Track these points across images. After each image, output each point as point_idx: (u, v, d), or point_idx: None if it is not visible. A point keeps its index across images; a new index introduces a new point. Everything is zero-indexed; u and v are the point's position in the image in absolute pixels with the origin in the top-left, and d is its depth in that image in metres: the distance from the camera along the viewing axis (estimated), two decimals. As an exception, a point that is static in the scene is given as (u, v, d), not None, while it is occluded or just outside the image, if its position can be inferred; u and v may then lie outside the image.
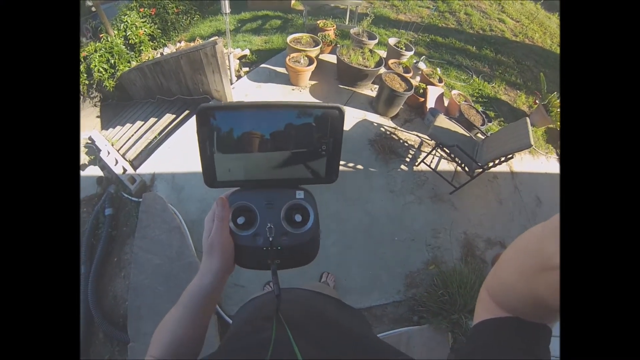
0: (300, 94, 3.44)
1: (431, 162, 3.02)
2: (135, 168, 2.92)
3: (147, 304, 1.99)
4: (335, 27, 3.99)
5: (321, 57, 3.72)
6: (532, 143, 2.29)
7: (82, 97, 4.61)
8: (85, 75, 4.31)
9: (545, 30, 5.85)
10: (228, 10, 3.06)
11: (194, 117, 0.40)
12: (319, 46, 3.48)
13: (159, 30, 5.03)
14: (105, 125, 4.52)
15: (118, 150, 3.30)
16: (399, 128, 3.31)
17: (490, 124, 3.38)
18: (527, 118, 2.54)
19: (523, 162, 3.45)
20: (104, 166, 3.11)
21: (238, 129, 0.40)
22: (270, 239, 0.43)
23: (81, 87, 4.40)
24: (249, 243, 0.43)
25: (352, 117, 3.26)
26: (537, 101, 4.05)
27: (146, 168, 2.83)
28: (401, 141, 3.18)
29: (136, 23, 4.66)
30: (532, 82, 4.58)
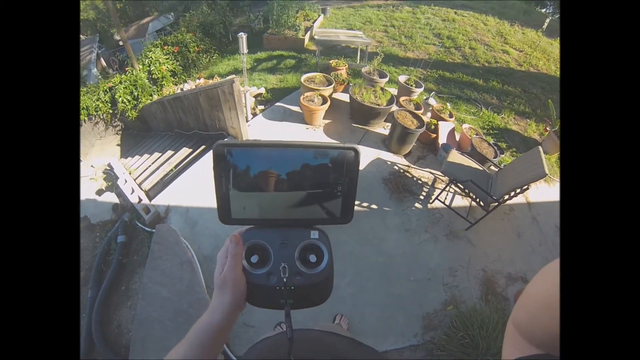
0: (315, 133, 3.53)
1: (445, 198, 2.98)
2: (150, 198, 2.98)
3: (152, 337, 1.93)
4: (347, 66, 4.16)
5: (334, 95, 3.83)
6: (547, 172, 2.24)
7: (104, 125, 4.86)
8: (109, 104, 4.57)
9: (548, 56, 5.96)
10: (246, 51, 3.27)
11: (211, 152, 0.40)
12: (332, 85, 3.59)
13: (180, 67, 5.37)
14: (124, 154, 4.70)
15: (135, 180, 3.39)
16: (412, 166, 3.30)
17: (502, 155, 3.36)
18: (540, 147, 2.51)
19: (539, 192, 3.37)
20: (120, 194, 3.19)
21: (255, 168, 0.40)
22: (284, 278, 0.42)
23: (105, 115, 4.65)
24: (262, 282, 0.43)
25: (366, 155, 3.29)
26: (547, 128, 4.02)
27: (161, 199, 2.88)
28: (415, 179, 3.17)
29: (160, 59, 5.01)
30: (541, 110, 4.59)
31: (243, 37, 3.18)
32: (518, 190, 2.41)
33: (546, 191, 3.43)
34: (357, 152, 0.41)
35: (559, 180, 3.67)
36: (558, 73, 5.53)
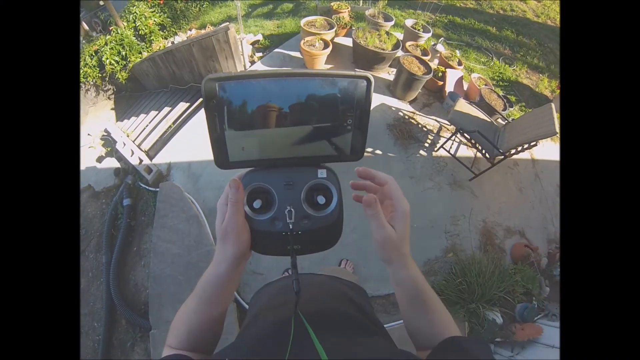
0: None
1: (450, 147, 2.93)
2: (151, 158, 2.96)
3: (167, 292, 2.04)
4: (349, 9, 3.85)
5: (336, 40, 3.62)
6: (557, 130, 2.18)
7: (96, 91, 4.66)
8: (97, 68, 4.33)
9: (569, 10, 5.53)
10: (239, -5, 2.99)
11: (202, 87, 0.34)
12: (334, 29, 3.37)
13: (168, 19, 4.97)
14: (120, 117, 4.57)
15: (134, 141, 3.33)
16: (417, 112, 3.21)
17: (511, 109, 3.24)
18: (552, 104, 2.41)
19: (545, 149, 3.32)
20: (120, 157, 3.16)
21: (252, 102, 0.35)
22: (290, 223, 0.39)
23: (95, 80, 4.43)
24: (267, 228, 0.39)
25: (370, 100, 3.19)
26: (560, 86, 3.85)
27: (162, 158, 2.86)
28: (420, 126, 3.10)
29: (145, 13, 4.62)
30: (555, 66, 4.35)
31: (235, -21, 2.88)
32: (525, 146, 2.36)
33: (552, 149, 3.38)
34: (369, 82, 0.36)
35: None
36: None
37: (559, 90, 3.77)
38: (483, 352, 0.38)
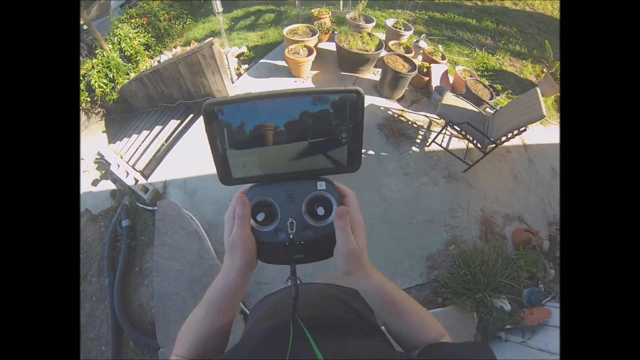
0: (303, 85, 3.41)
1: (442, 141, 2.96)
2: (146, 177, 2.95)
3: (173, 309, 2.02)
4: (330, 14, 3.91)
5: (320, 46, 3.66)
6: (545, 113, 2.22)
7: (86, 115, 4.66)
8: (86, 93, 4.34)
9: (545, -4, 5.61)
10: (220, 9, 3.03)
11: (201, 116, 0.37)
12: (317, 35, 3.42)
13: (153, 39, 5.00)
14: (112, 139, 4.56)
15: (127, 162, 3.33)
16: (406, 110, 3.25)
17: (498, 97, 3.29)
18: (537, 88, 2.46)
19: (535, 134, 3.36)
20: (115, 179, 3.15)
21: (249, 123, 0.37)
22: (291, 234, 0.41)
23: (84, 104, 4.43)
24: (271, 239, 0.42)
25: (358, 102, 3.22)
26: (544, 70, 3.92)
27: (157, 176, 2.85)
28: (410, 123, 3.13)
29: (129, 34, 4.65)
30: (537, 51, 4.43)
31: (216, -4, 2.93)
32: (515, 132, 2.39)
33: (542, 133, 3.43)
34: (360, 95, 0.37)
35: (554, 122, 3.63)
36: (555, 13, 5.25)
37: (543, 75, 3.83)
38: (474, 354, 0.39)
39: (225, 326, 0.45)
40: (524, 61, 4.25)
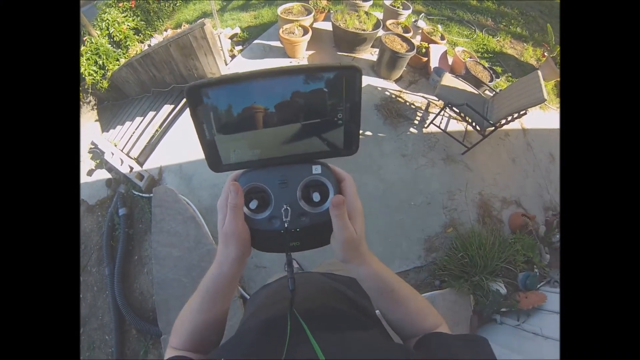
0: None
1: (440, 122, 2.93)
2: (141, 164, 2.91)
3: (173, 295, 2.04)
4: (326, -8, 3.77)
5: (315, 25, 3.55)
6: (546, 97, 2.19)
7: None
8: (77, 82, 4.22)
9: (549, -24, 5.45)
10: (211, -11, 2.91)
11: (185, 95, 0.34)
12: (312, 14, 3.31)
13: (142, 22, 4.83)
14: (105, 128, 4.48)
15: (122, 150, 3.28)
16: (404, 90, 3.19)
17: (498, 80, 3.24)
18: (538, 71, 2.41)
19: (534, 118, 3.34)
20: (110, 168, 3.11)
21: (237, 105, 0.35)
22: (286, 222, 0.39)
23: (74, 93, 4.33)
24: (266, 227, 0.40)
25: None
26: (545, 54, 3.86)
27: (152, 163, 2.82)
28: (408, 104, 3.08)
29: (118, 19, 4.49)
30: (539, 34, 4.34)
31: (205, -28, 2.80)
32: (515, 115, 2.37)
33: (541, 118, 3.39)
34: (357, 71, 0.34)
35: (554, 107, 3.59)
36: (558, -4, 5.10)
37: (544, 58, 3.77)
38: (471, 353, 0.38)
39: (221, 316, 0.45)
40: (524, 44, 4.17)
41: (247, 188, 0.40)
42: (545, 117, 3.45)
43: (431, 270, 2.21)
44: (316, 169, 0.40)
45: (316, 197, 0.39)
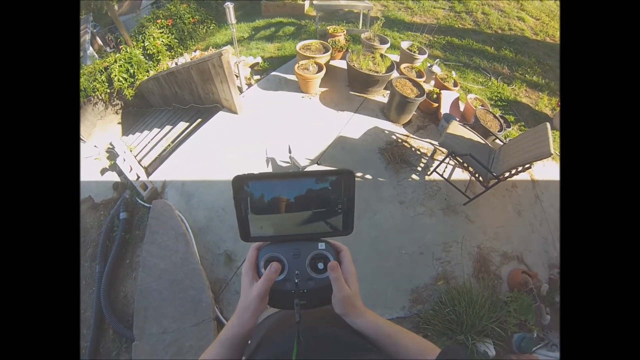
0: (310, 102, 3.42)
1: (444, 171, 2.88)
2: (149, 174, 3.02)
3: (152, 305, 2.06)
4: (345, 32, 3.94)
5: (332, 63, 3.68)
6: (552, 151, 2.12)
7: (104, 105, 4.86)
8: (106, 84, 4.54)
9: (569, 27, 5.52)
10: (234, 21, 3.12)
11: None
12: (329, 52, 3.44)
13: (175, 40, 5.20)
14: (125, 132, 4.73)
15: (135, 157, 3.43)
16: (411, 135, 3.20)
17: (509, 129, 3.19)
18: (548, 123, 2.35)
19: (545, 169, 3.23)
20: (120, 172, 3.25)
21: (268, 195, 0.48)
22: (298, 284, 0.50)
23: (103, 95, 4.63)
24: (280, 288, 0.50)
25: (363, 124, 3.18)
26: (559, 103, 3.79)
27: (158, 175, 2.92)
28: (413, 149, 3.06)
29: (154, 34, 4.86)
30: (555, 83, 4.30)
31: (230, 6, 3.01)
32: (520, 168, 2.30)
33: (553, 169, 3.28)
34: (351, 175, 0.49)
35: None
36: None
37: (559, 108, 3.71)
38: None
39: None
40: (540, 93, 4.14)
41: (268, 257, 0.51)
42: (557, 168, 3.32)
43: (414, 322, 2.10)
44: (321, 246, 0.52)
45: (321, 266, 0.51)
